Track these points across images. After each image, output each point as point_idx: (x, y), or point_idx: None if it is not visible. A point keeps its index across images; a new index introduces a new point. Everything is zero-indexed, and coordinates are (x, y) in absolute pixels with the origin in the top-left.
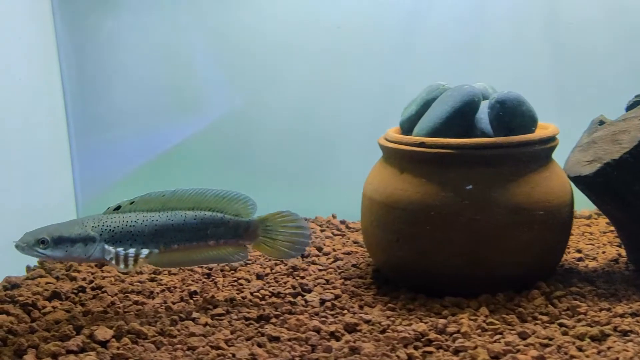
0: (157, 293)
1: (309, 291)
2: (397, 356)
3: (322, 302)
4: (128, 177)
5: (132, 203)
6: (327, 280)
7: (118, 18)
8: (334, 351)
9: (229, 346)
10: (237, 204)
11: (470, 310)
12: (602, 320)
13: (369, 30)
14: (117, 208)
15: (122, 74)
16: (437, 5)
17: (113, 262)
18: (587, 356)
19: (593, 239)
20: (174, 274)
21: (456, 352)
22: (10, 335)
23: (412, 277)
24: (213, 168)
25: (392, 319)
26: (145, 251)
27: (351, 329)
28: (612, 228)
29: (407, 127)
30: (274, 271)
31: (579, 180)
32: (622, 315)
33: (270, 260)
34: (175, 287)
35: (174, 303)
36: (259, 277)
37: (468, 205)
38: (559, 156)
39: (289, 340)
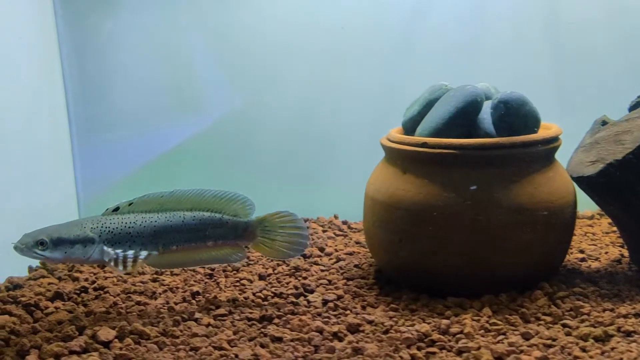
0: (160, 293)
1: (312, 292)
2: (400, 357)
3: (325, 302)
4: (129, 177)
5: (130, 204)
6: (330, 281)
7: (119, 18)
8: (337, 352)
9: (232, 347)
10: (235, 204)
11: (473, 311)
12: (605, 321)
13: (370, 30)
14: (116, 209)
15: (123, 74)
16: (438, 5)
17: (112, 263)
18: (590, 357)
19: (595, 240)
20: (176, 275)
21: (459, 352)
22: (13, 335)
23: (414, 277)
24: (214, 168)
25: (394, 319)
26: (144, 253)
27: (354, 329)
28: (615, 228)
29: (410, 127)
30: (276, 272)
31: (581, 181)
32: (625, 316)
33: (272, 260)
34: (177, 288)
35: (176, 303)
36: (261, 277)
37: (471, 205)
38: (562, 157)
39: (292, 340)
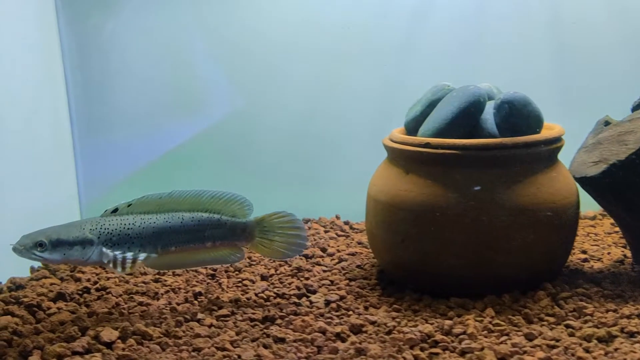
0: (162, 294)
1: (314, 292)
2: (404, 357)
3: (327, 303)
4: (131, 177)
5: (129, 205)
6: (332, 281)
7: (121, 18)
8: (340, 352)
9: (235, 347)
10: (233, 205)
11: (476, 311)
12: (608, 322)
13: (372, 30)
14: (115, 210)
15: (124, 74)
16: (440, 5)
17: (110, 265)
18: (594, 358)
19: (598, 240)
20: (178, 275)
21: (463, 353)
22: (15, 336)
23: (417, 278)
24: (216, 168)
25: (397, 320)
26: (142, 255)
27: (357, 330)
28: (617, 229)
29: (412, 127)
30: (278, 272)
31: (584, 181)
32: (628, 317)
33: (274, 261)
34: (179, 288)
35: (178, 304)
36: (263, 278)
37: (473, 206)
38: (565, 157)
39: (295, 341)
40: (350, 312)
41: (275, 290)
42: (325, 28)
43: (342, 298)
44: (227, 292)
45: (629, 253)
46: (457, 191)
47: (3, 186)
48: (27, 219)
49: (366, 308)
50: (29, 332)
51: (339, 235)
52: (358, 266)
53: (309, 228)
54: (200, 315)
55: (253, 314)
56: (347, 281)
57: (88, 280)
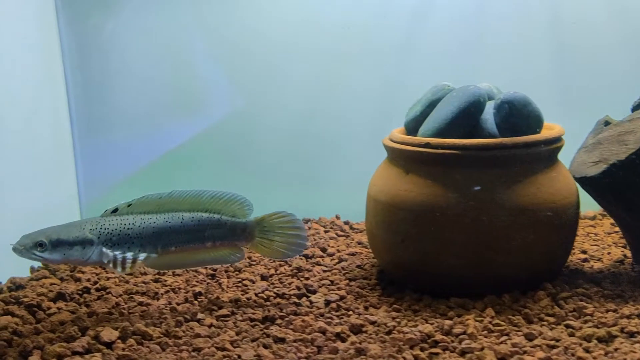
0: (162, 294)
1: (314, 292)
2: (404, 357)
3: (327, 303)
4: (131, 177)
5: (129, 205)
6: (332, 281)
7: (121, 18)
8: (340, 352)
9: (235, 347)
10: (233, 205)
11: (476, 311)
12: (608, 322)
13: (372, 30)
14: (115, 210)
15: (124, 74)
16: (440, 5)
17: (110, 265)
18: (594, 358)
19: (598, 240)
20: (178, 275)
21: (463, 353)
22: (15, 336)
23: (417, 278)
24: (216, 168)
25: (397, 320)
26: (142, 255)
27: (357, 330)
28: (617, 229)
29: (412, 127)
30: (278, 272)
31: (584, 181)
32: (628, 317)
33: (274, 261)
34: (179, 288)
35: (178, 304)
36: (263, 278)
37: (473, 206)
38: (565, 157)
39: (295, 341)
40: (350, 312)
41: (275, 290)
42: (325, 28)
43: (342, 298)
44: (227, 292)
45: (629, 253)
46: (457, 191)
47: (3, 186)
48: (27, 219)
49: (366, 308)
50: (29, 332)
51: (339, 235)
52: (358, 266)
53: (309, 228)
54: (200, 315)
55: (253, 314)
56: (347, 281)
57: (88, 280)
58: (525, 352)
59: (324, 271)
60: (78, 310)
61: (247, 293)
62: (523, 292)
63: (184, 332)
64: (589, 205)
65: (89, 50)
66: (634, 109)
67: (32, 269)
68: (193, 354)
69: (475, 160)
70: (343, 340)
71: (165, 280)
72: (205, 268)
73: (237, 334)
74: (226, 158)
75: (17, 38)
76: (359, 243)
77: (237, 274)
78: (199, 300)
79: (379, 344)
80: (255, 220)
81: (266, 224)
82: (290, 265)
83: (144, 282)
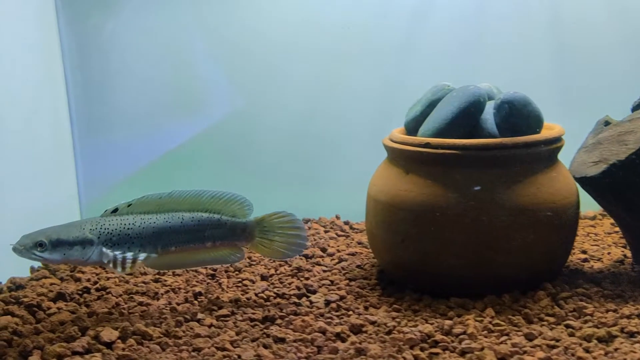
0: (162, 294)
1: (314, 292)
2: (404, 357)
3: (327, 303)
4: (131, 177)
5: (129, 205)
6: (332, 281)
7: (121, 18)
8: (340, 352)
9: (235, 347)
10: (233, 205)
11: (476, 311)
12: (608, 322)
13: (372, 30)
14: (115, 210)
15: (124, 74)
16: (440, 5)
17: (110, 265)
18: (594, 358)
19: (598, 240)
20: (178, 275)
21: (463, 353)
22: (15, 336)
23: (417, 278)
24: (216, 168)
25: (397, 320)
26: (142, 255)
27: (357, 330)
28: (617, 229)
29: (412, 127)
30: (278, 272)
31: (584, 181)
32: (628, 317)
33: (274, 261)
34: (179, 288)
35: (178, 304)
36: (263, 278)
37: (473, 206)
38: (565, 157)
39: (295, 341)
40: (350, 312)
41: (275, 290)
42: (325, 28)
43: (342, 298)
44: (227, 292)
45: (629, 253)
46: (457, 191)
47: (3, 186)
48: (27, 219)
49: (366, 308)
50: (29, 332)
51: (339, 235)
52: (358, 266)
53: (309, 228)
54: (200, 315)
55: (253, 314)
56: (347, 281)
57: (88, 280)
58: (525, 352)
59: (324, 271)
60: (78, 310)
61: (247, 293)
62: (523, 292)
63: (184, 332)
64: (589, 205)
65: (89, 50)
66: (634, 109)
67: (32, 269)
68: (193, 354)
69: (475, 160)
70: (343, 340)
71: (165, 280)
72: (205, 268)
73: (237, 334)
74: (226, 158)
75: (17, 38)
76: (359, 243)
77: (237, 274)
78: (199, 300)
79: (379, 344)
80: (255, 220)
81: (266, 224)
82: (290, 265)
83: (144, 282)
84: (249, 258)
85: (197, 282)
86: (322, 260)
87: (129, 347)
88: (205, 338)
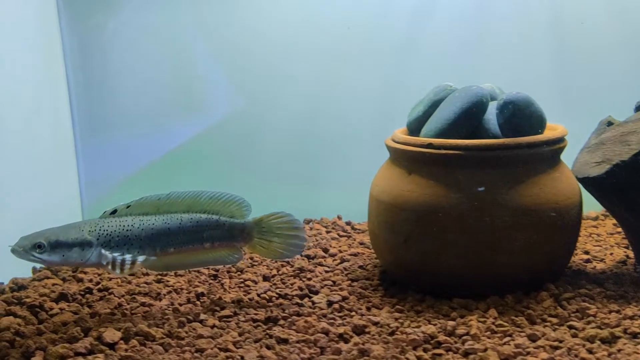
0: (164, 294)
1: (316, 293)
2: (407, 358)
3: (330, 303)
4: (133, 177)
5: (128, 207)
6: (334, 282)
7: (122, 18)
8: (343, 353)
9: (238, 348)
10: (231, 205)
11: (479, 312)
12: (611, 323)
13: (373, 30)
14: (114, 212)
15: (126, 74)
16: (442, 5)
17: (109, 267)
18: (597, 359)
19: (600, 241)
20: (181, 276)
21: (466, 354)
22: (18, 337)
23: (419, 278)
24: (217, 168)
25: (400, 320)
26: (141, 256)
27: (360, 331)
28: (619, 229)
29: (415, 127)
30: (280, 273)
31: (587, 182)
32: (632, 317)
33: (276, 261)
34: (182, 289)
35: (181, 305)
36: (265, 278)
37: (476, 206)
38: (567, 157)
39: (298, 342)
40: (353, 313)
41: (277, 290)
42: (326, 28)
43: (344, 299)
44: (229, 293)
45: (631, 254)
46: (460, 192)
47: (4, 186)
48: (28, 219)
49: (369, 309)
50: (32, 333)
51: (340, 236)
52: (360, 267)
53: (311, 229)
54: (202, 316)
55: (255, 314)
56: (349, 282)
57: (90, 280)
58: (528, 353)
59: (326, 272)
60: (80, 311)
61: (249, 294)
62: (526, 292)
63: (186, 332)
64: (591, 205)
65: (90, 50)
66: (636, 109)
67: (34, 270)
68: (196, 354)
69: (477, 161)
70: (346, 341)
71: (168, 281)
72: (208, 268)
73: (240, 334)
74: (227, 158)
75: (18, 38)
76: (361, 243)
77: (239, 275)
78: (201, 300)
79: (382, 344)
80: (254, 221)
81: (264, 225)
82: (292, 266)
83: (146, 283)
84: (251, 258)
85: (199, 282)
86: (324, 260)
87: (132, 347)
88: (208, 339)
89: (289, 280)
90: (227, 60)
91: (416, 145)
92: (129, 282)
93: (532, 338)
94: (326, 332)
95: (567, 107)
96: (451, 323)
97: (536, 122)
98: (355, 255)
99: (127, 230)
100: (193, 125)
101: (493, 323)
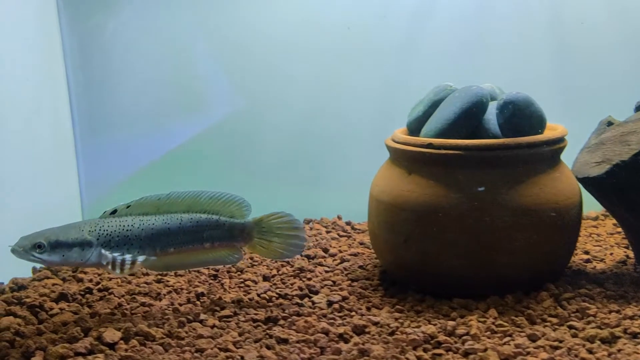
0: (164, 294)
1: (316, 293)
2: (407, 358)
3: (330, 303)
4: (133, 177)
5: (128, 207)
6: (334, 282)
7: (122, 18)
8: (343, 353)
9: (238, 348)
10: (231, 205)
11: (479, 312)
12: (611, 323)
13: (374, 30)
14: (114, 212)
15: (126, 74)
16: (442, 5)
17: (109, 267)
18: (597, 359)
19: (600, 241)
20: (180, 276)
21: (466, 354)
22: (18, 337)
23: (419, 278)
24: (218, 168)
25: (400, 320)
26: (141, 257)
27: (360, 331)
28: (619, 229)
29: (415, 127)
30: (280, 272)
31: (587, 182)
32: (631, 317)
33: (276, 261)
34: (182, 289)
35: (181, 304)
36: (265, 278)
37: (476, 206)
38: (567, 157)
39: (298, 342)
40: (353, 313)
41: (277, 290)
42: (327, 28)
43: (344, 299)
44: (229, 293)
45: (631, 254)
46: (460, 192)
47: (4, 186)
48: (28, 219)
49: (369, 309)
50: (32, 333)
51: (340, 236)
52: (360, 267)
53: (311, 229)
54: (202, 316)
55: (255, 314)
56: (349, 282)
57: (90, 280)
58: (528, 353)
59: (326, 272)
60: (80, 311)
61: (249, 294)
62: (526, 292)
63: (186, 332)
64: (591, 205)
65: (90, 50)
66: (636, 109)
67: (34, 270)
68: (196, 354)
69: (477, 161)
70: (346, 341)
71: (168, 281)
72: (208, 268)
73: (240, 334)
74: (228, 158)
75: (18, 38)
76: (361, 243)
77: (239, 275)
78: (201, 300)
79: (382, 344)
80: (254, 221)
81: (264, 225)
82: (292, 266)
83: (146, 283)
84: (251, 259)
85: (199, 282)
86: (324, 260)
87: (132, 348)
88: (208, 339)
89: (289, 280)
90: (227, 60)
91: (416, 145)
92: (129, 282)
93: (532, 338)
94: (326, 332)
95: (567, 107)
96: (451, 323)
97: (536, 122)
98: (355, 255)
99: (127, 230)
100: (193, 125)
101: (493, 323)
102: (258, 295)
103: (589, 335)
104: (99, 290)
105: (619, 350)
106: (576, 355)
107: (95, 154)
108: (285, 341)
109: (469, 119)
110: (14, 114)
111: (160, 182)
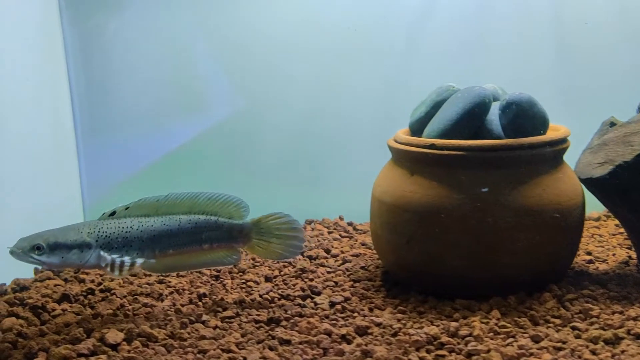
0: (166, 295)
1: (318, 293)
2: (410, 359)
3: (332, 304)
4: (134, 177)
5: (127, 208)
6: (336, 283)
7: (124, 18)
8: (346, 354)
9: (240, 349)
10: (230, 207)
11: (482, 313)
12: (615, 324)
13: (375, 30)
14: (112, 214)
15: (127, 74)
16: (444, 5)
17: (108, 269)
18: None
19: (602, 241)
20: (182, 276)
21: (469, 355)
22: (20, 338)
23: (422, 279)
24: (219, 168)
25: (403, 321)
26: (140, 259)
27: (362, 332)
28: (622, 230)
29: (417, 128)
30: (282, 273)
31: (589, 182)
32: (635, 318)
33: (278, 262)
34: (184, 290)
35: (183, 305)
36: (267, 279)
37: (478, 207)
38: (570, 158)
39: (300, 343)
40: (356, 314)
41: (279, 291)
42: (327, 28)
43: (346, 299)
44: (231, 294)
45: (634, 254)
46: (462, 192)
47: (5, 186)
48: (29, 220)
49: (371, 310)
50: (34, 334)
51: (342, 237)
52: (362, 267)
53: (312, 229)
54: (205, 317)
55: (258, 315)
56: (351, 282)
57: (92, 281)
58: (531, 354)
59: (328, 272)
60: (83, 312)
61: (251, 294)
62: (529, 293)
63: (189, 333)
64: (593, 206)
65: (92, 50)
66: (639, 110)
67: (36, 270)
68: (198, 355)
69: (480, 162)
70: (349, 342)
71: (170, 282)
72: (209, 269)
73: (243, 335)
74: (228, 158)
75: (19, 38)
76: (363, 244)
77: (241, 275)
78: (203, 301)
79: (384, 346)
80: (252, 222)
81: (263, 226)
82: (294, 267)
83: (148, 284)
84: (253, 259)
85: (201, 283)
86: (326, 261)
87: (135, 349)
88: (211, 340)
89: (291, 281)
90: (227, 60)
91: (419, 146)
92: (131, 283)
93: (535, 339)
94: (329, 333)
95: (568, 107)
96: (454, 324)
97: (539, 122)
98: (357, 256)
99: (126, 232)
100: (194, 125)
101: (496, 324)
102: (260, 296)
103: (592, 336)
104: (101, 291)
105: (623, 352)
106: (579, 357)
107: (97, 154)
108: (287, 342)
109: (472, 119)
110: (15, 113)
111: (161, 181)
